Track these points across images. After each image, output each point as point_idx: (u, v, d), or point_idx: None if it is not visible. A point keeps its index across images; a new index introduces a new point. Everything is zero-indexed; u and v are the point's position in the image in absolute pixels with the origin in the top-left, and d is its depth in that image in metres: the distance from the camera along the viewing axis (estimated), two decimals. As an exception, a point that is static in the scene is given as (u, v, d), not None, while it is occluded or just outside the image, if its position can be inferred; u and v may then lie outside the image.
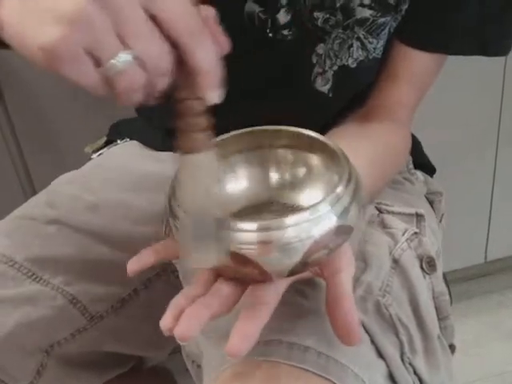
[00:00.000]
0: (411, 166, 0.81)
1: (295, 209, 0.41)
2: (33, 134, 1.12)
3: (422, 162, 0.84)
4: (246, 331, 0.40)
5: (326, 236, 0.41)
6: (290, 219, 0.40)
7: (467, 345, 1.34)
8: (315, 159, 0.52)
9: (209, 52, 0.38)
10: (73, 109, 1.10)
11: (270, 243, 0.40)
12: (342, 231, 0.42)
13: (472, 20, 0.64)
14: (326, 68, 0.66)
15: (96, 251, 0.72)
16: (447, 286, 0.71)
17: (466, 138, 1.31)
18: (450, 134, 1.28)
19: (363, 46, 0.65)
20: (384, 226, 0.65)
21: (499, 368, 1.36)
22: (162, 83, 0.39)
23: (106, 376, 0.77)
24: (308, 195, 0.51)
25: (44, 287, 0.68)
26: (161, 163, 0.77)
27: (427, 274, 0.64)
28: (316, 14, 0.62)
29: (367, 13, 0.62)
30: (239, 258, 0.41)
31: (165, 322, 0.41)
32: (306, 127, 0.51)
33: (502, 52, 0.68)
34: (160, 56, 0.37)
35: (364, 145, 0.64)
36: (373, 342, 0.52)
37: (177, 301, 0.42)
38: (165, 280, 0.76)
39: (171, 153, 0.77)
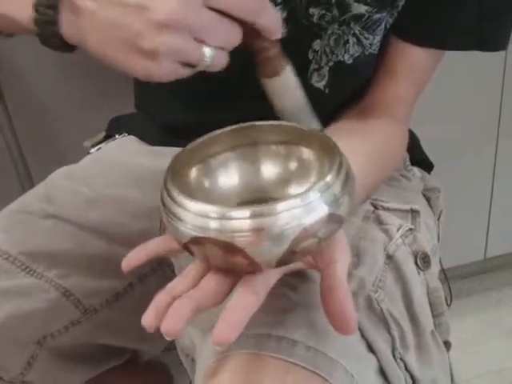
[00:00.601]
0: (408, 162, 0.81)
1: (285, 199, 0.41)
2: (31, 129, 1.12)
3: (419, 158, 0.84)
4: (233, 320, 0.40)
5: (316, 223, 0.41)
6: (279, 206, 0.40)
7: (466, 342, 1.34)
8: (308, 152, 0.51)
9: (271, 16, 0.48)
10: (72, 104, 1.10)
11: (261, 230, 0.40)
12: (332, 220, 0.42)
13: (469, 15, 0.63)
14: (322, 64, 0.66)
15: (92, 245, 0.72)
16: (447, 282, 0.71)
17: (465, 133, 1.30)
18: (449, 129, 1.27)
19: (359, 42, 0.65)
20: (379, 222, 0.65)
21: (498, 365, 1.36)
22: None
23: (99, 368, 0.77)
24: (301, 189, 0.52)
25: (38, 280, 0.68)
26: (159, 158, 0.77)
27: (421, 270, 0.63)
28: (312, 11, 0.62)
29: (363, 8, 0.61)
30: (228, 247, 0.41)
31: (146, 319, 0.41)
32: None
33: (499, 47, 0.68)
34: (233, 37, 0.46)
35: (361, 141, 0.64)
36: (363, 336, 0.52)
37: (159, 297, 0.42)
38: (160, 274, 0.76)
39: (169, 148, 0.77)
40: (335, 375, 0.47)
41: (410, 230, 0.65)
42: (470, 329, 1.41)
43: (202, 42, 0.44)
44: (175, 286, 0.44)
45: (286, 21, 0.62)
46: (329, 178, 0.42)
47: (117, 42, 0.44)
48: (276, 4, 0.62)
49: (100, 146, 0.86)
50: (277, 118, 0.53)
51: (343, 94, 0.70)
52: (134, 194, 0.75)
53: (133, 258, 0.52)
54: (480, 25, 0.64)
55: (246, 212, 0.40)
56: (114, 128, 0.88)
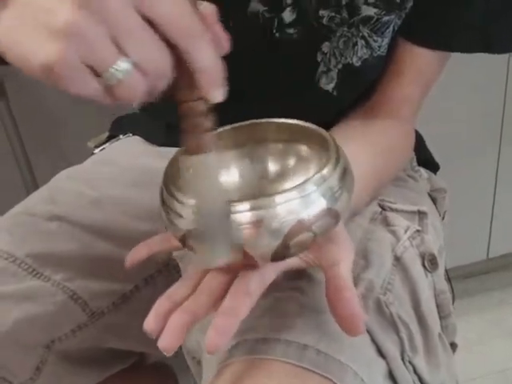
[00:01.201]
0: (415, 163, 0.81)
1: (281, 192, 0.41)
2: (35, 130, 1.12)
3: (425, 158, 0.84)
4: (223, 326, 0.40)
5: (311, 216, 0.41)
6: (278, 198, 0.40)
7: (469, 342, 1.34)
8: (308, 149, 0.52)
9: (208, 52, 0.38)
10: (75, 104, 1.10)
11: (260, 222, 0.40)
12: (329, 214, 0.42)
13: (476, 17, 0.63)
14: (331, 66, 0.66)
15: (98, 247, 0.72)
16: (450, 283, 0.71)
17: (468, 134, 1.30)
18: (453, 130, 1.27)
19: (368, 45, 0.64)
20: (386, 223, 0.65)
21: (501, 365, 1.36)
22: (162, 85, 0.38)
23: (106, 372, 0.77)
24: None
25: (45, 283, 0.68)
26: (163, 158, 0.76)
27: (429, 271, 0.63)
28: (321, 13, 0.61)
29: (372, 11, 0.61)
30: None
31: (147, 324, 0.42)
32: None
33: (505, 49, 0.68)
34: (159, 60, 0.37)
35: (368, 141, 0.63)
36: (373, 340, 0.52)
37: (159, 303, 0.43)
38: (166, 276, 0.75)
39: (174, 148, 0.77)
40: (345, 379, 0.46)
41: (418, 231, 0.64)
42: (473, 329, 1.41)
43: (119, 47, 0.36)
44: (175, 290, 0.44)
45: (296, 22, 0.62)
46: (325, 171, 0.42)
47: (29, 28, 0.36)
48: (286, 6, 0.61)
49: (104, 146, 0.86)
50: (278, 116, 0.53)
51: (351, 96, 0.70)
52: (139, 194, 0.74)
53: (135, 256, 0.52)
54: (486, 27, 0.64)
55: (244, 205, 0.41)
56: (118, 128, 0.88)
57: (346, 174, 0.44)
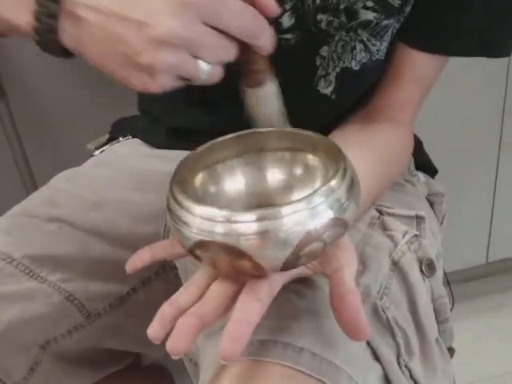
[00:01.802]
0: (413, 167, 0.81)
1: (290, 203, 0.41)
2: (35, 130, 1.12)
3: (423, 162, 0.84)
4: (238, 334, 0.40)
5: (320, 227, 0.41)
6: (284, 209, 0.40)
7: (468, 346, 1.34)
8: (313, 158, 0.51)
9: (269, 36, 0.47)
10: (75, 106, 1.10)
11: (266, 233, 0.40)
12: (337, 224, 0.42)
13: (475, 22, 0.63)
14: (329, 70, 0.66)
15: (96, 249, 0.72)
16: (449, 286, 0.71)
17: (467, 138, 1.30)
18: (452, 134, 1.27)
19: (366, 49, 0.64)
20: (384, 228, 0.65)
21: (501, 369, 1.36)
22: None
23: (102, 373, 0.77)
24: (306, 194, 0.52)
25: (41, 284, 0.68)
26: (163, 161, 0.77)
27: (426, 276, 0.63)
28: (320, 17, 0.61)
29: (371, 15, 0.61)
30: (233, 251, 0.41)
31: (152, 331, 0.41)
32: (309, 129, 0.51)
33: (504, 53, 0.68)
34: (230, 53, 0.46)
35: (367, 146, 0.64)
36: (368, 344, 0.52)
37: (164, 309, 0.43)
38: (164, 278, 0.75)
39: (174, 151, 0.77)
40: (340, 383, 0.46)
41: (416, 236, 0.64)
42: (472, 332, 1.41)
43: (198, 57, 0.45)
44: (180, 296, 0.44)
45: (295, 27, 0.62)
46: (333, 183, 0.42)
47: (115, 56, 0.44)
48: (284, 10, 0.61)
49: (104, 148, 0.86)
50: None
51: (349, 100, 0.70)
52: (137, 197, 0.74)
53: (137, 260, 0.52)
54: (485, 30, 0.64)
55: (251, 215, 0.40)
56: (118, 130, 0.88)
57: (353, 185, 0.44)
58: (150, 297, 0.75)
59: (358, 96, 0.70)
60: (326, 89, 0.67)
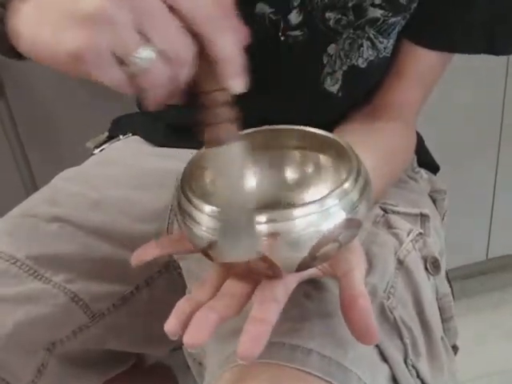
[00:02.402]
0: (415, 164, 0.81)
1: (303, 204, 0.41)
2: (35, 130, 1.12)
3: (425, 159, 0.84)
4: (257, 333, 0.39)
5: (335, 229, 0.41)
6: (298, 211, 0.40)
7: (468, 343, 1.34)
8: (325, 158, 0.51)
9: (230, 40, 0.38)
10: (74, 104, 1.10)
11: (277, 234, 0.40)
12: (351, 225, 0.42)
13: (480, 18, 0.63)
14: (336, 68, 0.65)
15: (98, 249, 0.71)
16: (449, 283, 0.71)
17: (467, 135, 1.30)
18: (452, 131, 1.27)
19: (373, 46, 0.64)
20: (389, 226, 0.65)
21: (501, 366, 1.36)
22: (185, 75, 0.39)
23: (107, 374, 0.77)
24: (318, 194, 0.51)
25: (46, 285, 0.68)
26: (163, 159, 0.77)
27: (431, 275, 0.63)
28: (328, 15, 0.61)
29: (378, 13, 0.61)
30: None
31: (169, 326, 0.41)
32: (315, 126, 0.51)
33: (508, 50, 0.68)
34: (182, 47, 0.37)
35: (370, 144, 0.63)
36: (376, 345, 0.52)
37: (181, 305, 0.42)
38: (167, 277, 0.75)
39: (174, 149, 0.77)
40: None
41: (420, 234, 0.65)
42: (472, 329, 1.41)
43: (141, 32, 0.37)
44: (196, 293, 0.44)
45: (302, 24, 0.62)
46: (347, 185, 0.42)
47: (54, 14, 0.37)
48: (292, 7, 0.61)
49: (103, 146, 0.85)
50: (290, 123, 0.52)
51: (356, 98, 0.70)
52: (139, 195, 0.74)
53: (144, 255, 0.51)
54: (490, 28, 0.64)
55: (262, 217, 0.40)
56: (117, 128, 0.87)
57: (366, 186, 0.44)
58: (154, 296, 0.74)
59: (365, 94, 0.70)
60: (333, 86, 0.67)
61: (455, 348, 0.68)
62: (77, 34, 0.36)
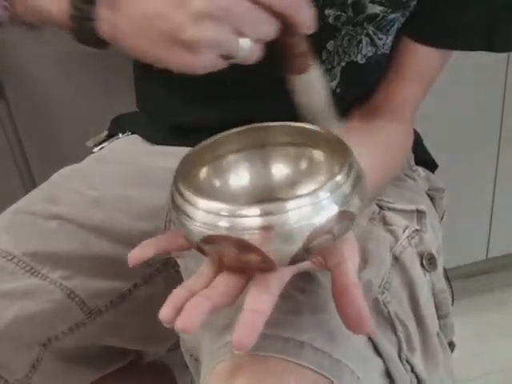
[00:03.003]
0: (413, 162, 0.81)
1: (296, 197, 0.41)
2: (34, 129, 1.12)
3: (423, 157, 0.83)
4: (251, 323, 0.40)
5: (327, 222, 0.41)
6: (291, 204, 0.40)
7: (468, 342, 1.34)
8: (318, 153, 0.51)
9: (308, 12, 0.47)
10: (74, 102, 1.10)
11: (271, 228, 0.40)
12: (344, 218, 0.42)
13: (479, 16, 0.63)
14: (334, 64, 0.66)
15: (97, 246, 0.72)
16: (449, 282, 0.71)
17: (467, 133, 1.30)
18: (452, 129, 1.27)
19: (372, 42, 0.64)
20: (385, 222, 0.65)
21: (500, 366, 1.36)
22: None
23: (103, 370, 0.77)
24: (311, 189, 0.52)
25: (42, 281, 0.68)
26: (163, 158, 0.77)
27: (427, 271, 0.63)
28: (327, 12, 0.61)
29: (377, 9, 0.61)
30: (242, 245, 0.41)
31: (164, 314, 0.41)
32: None
33: (508, 48, 0.68)
34: (271, 30, 0.46)
35: (368, 141, 0.63)
36: (370, 339, 0.52)
37: (177, 293, 0.42)
38: (165, 275, 0.75)
39: (174, 147, 0.77)
40: (342, 378, 0.47)
41: (416, 230, 0.65)
42: (472, 329, 1.41)
43: (240, 33, 0.44)
44: (190, 283, 0.44)
45: None
46: (339, 178, 0.42)
47: (155, 35, 0.43)
48: None
49: (103, 145, 0.86)
50: (285, 119, 0.53)
51: (355, 94, 0.70)
52: (138, 193, 0.74)
53: (141, 254, 0.51)
54: (489, 25, 0.64)
55: (255, 210, 0.40)
56: (117, 127, 0.87)
57: (359, 179, 0.44)
58: (151, 294, 0.75)
59: (364, 90, 0.70)
60: (331, 82, 0.67)
61: (452, 345, 0.68)
62: (184, 57, 0.44)
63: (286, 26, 0.47)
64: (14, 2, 0.54)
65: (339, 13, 0.61)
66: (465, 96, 1.24)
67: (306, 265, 0.48)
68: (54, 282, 0.68)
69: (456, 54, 0.68)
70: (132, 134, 0.85)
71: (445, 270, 0.75)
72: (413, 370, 0.55)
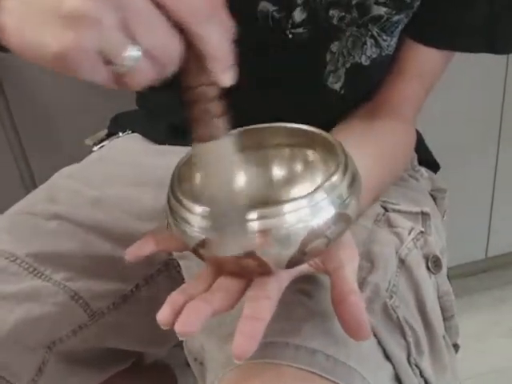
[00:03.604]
0: (416, 162, 0.81)
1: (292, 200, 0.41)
2: (34, 128, 1.11)
3: (426, 158, 0.83)
4: (250, 331, 0.39)
5: (323, 224, 0.41)
6: (287, 207, 0.40)
7: (468, 341, 1.34)
8: (314, 154, 0.51)
9: (218, 34, 0.37)
10: (73, 101, 1.09)
11: (268, 231, 0.40)
12: (340, 219, 0.42)
13: (480, 17, 0.63)
14: (339, 66, 0.65)
15: (98, 247, 0.71)
16: (448, 281, 0.71)
17: (467, 133, 1.30)
18: (451, 129, 1.27)
19: (377, 44, 0.64)
20: (390, 224, 0.65)
21: (500, 364, 1.36)
22: (171, 70, 0.38)
23: (107, 372, 0.76)
24: (307, 190, 0.51)
25: (46, 283, 0.67)
26: (163, 156, 0.76)
27: (433, 273, 0.63)
28: (332, 12, 0.61)
29: (382, 10, 0.61)
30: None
31: (162, 316, 0.40)
32: (318, 124, 0.51)
33: (509, 49, 0.68)
34: (169, 45, 0.37)
35: (371, 142, 0.63)
36: (380, 344, 0.52)
37: (175, 296, 0.42)
38: (167, 276, 0.75)
39: (174, 146, 0.76)
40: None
41: (421, 232, 0.64)
42: (471, 327, 1.41)
43: (129, 33, 0.36)
44: (189, 287, 0.43)
45: (306, 22, 0.61)
46: (335, 179, 0.42)
47: (34, 14, 0.36)
48: (296, 5, 0.61)
49: (103, 143, 0.85)
50: (281, 121, 0.52)
51: (359, 95, 0.70)
52: (139, 193, 0.74)
53: (139, 251, 0.50)
54: (490, 27, 0.64)
55: (252, 214, 0.40)
56: (117, 125, 0.87)
57: (354, 181, 0.44)
58: (153, 295, 0.74)
59: (367, 91, 0.70)
60: (335, 84, 0.67)
61: (456, 346, 0.68)
62: (62, 35, 0.35)
63: (197, 64, 0.38)
64: None
65: (343, 13, 0.61)
66: (464, 96, 1.24)
67: (304, 268, 0.48)
68: (57, 284, 0.68)
69: (457, 56, 0.68)
70: (132, 132, 0.84)
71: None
72: (421, 375, 0.55)
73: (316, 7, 0.61)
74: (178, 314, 0.40)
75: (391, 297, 0.56)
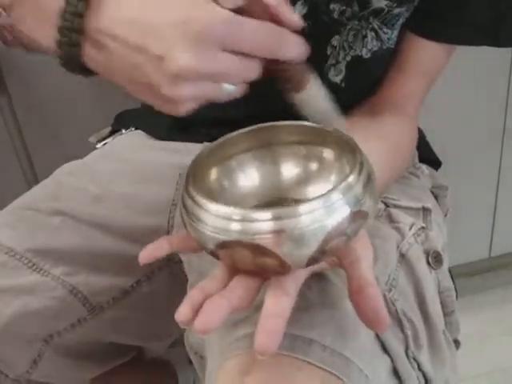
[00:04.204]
0: (417, 159, 0.81)
1: (308, 201, 0.41)
2: (36, 124, 1.12)
3: (427, 155, 0.83)
4: (272, 327, 0.40)
5: (341, 224, 0.41)
6: (303, 207, 0.40)
7: (471, 340, 1.34)
8: (327, 152, 0.51)
9: (293, 45, 0.46)
10: (77, 99, 1.10)
11: (283, 232, 0.40)
12: (358, 217, 0.42)
13: (483, 10, 0.63)
14: (340, 59, 0.65)
15: (100, 242, 0.71)
16: (452, 280, 0.71)
17: (471, 131, 1.30)
18: (455, 126, 1.27)
19: (378, 37, 0.64)
20: (391, 220, 0.65)
21: (503, 363, 1.35)
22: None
23: (105, 366, 0.76)
24: (321, 189, 0.51)
25: (44, 277, 0.68)
26: (166, 153, 0.77)
27: (433, 268, 0.63)
28: (332, 6, 0.61)
29: (383, 3, 0.61)
30: (258, 249, 0.40)
31: (181, 314, 0.40)
32: None
33: (511, 43, 0.67)
34: (254, 72, 0.44)
35: (375, 137, 0.63)
36: (377, 336, 0.52)
37: (193, 294, 0.42)
38: (168, 271, 0.75)
39: (177, 143, 0.76)
40: (350, 375, 0.46)
41: (422, 228, 0.64)
42: (475, 326, 1.41)
43: (224, 82, 0.44)
44: (206, 285, 0.43)
45: (307, 16, 0.61)
46: (351, 179, 0.42)
47: (140, 84, 0.43)
48: (297, 0, 0.61)
49: (106, 141, 0.85)
50: (293, 112, 0.52)
51: (360, 89, 0.70)
52: (141, 189, 0.74)
53: (154, 252, 0.49)
54: (493, 20, 0.64)
55: (267, 214, 0.40)
56: (120, 123, 0.87)
57: (370, 179, 0.43)
58: (154, 291, 0.74)
59: (370, 85, 0.70)
60: (336, 77, 0.67)
61: (457, 342, 0.67)
62: (165, 104, 0.43)
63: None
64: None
65: (344, 7, 0.61)
66: (468, 93, 1.24)
67: (321, 265, 0.48)
68: (56, 279, 0.68)
69: (459, 49, 0.67)
70: (135, 129, 0.84)
71: (448, 268, 0.75)
72: (420, 368, 0.55)
73: (317, 1, 0.61)
74: (196, 311, 0.40)
75: (390, 290, 0.56)
